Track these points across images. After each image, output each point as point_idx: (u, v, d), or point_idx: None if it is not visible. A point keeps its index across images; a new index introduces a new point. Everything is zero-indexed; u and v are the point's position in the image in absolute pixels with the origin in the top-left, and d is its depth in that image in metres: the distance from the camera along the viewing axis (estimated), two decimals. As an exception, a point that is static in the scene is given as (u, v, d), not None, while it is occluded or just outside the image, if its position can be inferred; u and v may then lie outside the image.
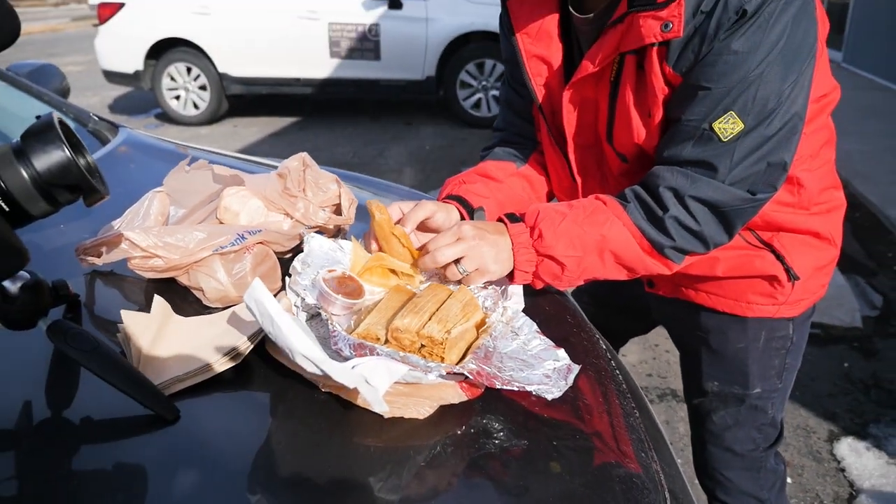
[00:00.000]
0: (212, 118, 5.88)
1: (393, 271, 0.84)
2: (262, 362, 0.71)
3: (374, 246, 0.85)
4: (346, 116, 5.91)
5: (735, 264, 0.93)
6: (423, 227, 0.89)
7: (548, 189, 1.06)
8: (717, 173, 0.78)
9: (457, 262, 0.80)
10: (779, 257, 0.94)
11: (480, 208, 0.94)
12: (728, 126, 0.75)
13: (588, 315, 0.94)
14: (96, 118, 1.45)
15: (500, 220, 0.85)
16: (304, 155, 0.96)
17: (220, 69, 5.65)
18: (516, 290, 0.84)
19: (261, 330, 0.71)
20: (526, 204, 1.03)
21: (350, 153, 4.92)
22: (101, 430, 0.62)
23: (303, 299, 0.75)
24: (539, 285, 0.85)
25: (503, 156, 1.04)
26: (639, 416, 0.73)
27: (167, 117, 5.94)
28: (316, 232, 0.94)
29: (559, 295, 0.94)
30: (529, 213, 0.83)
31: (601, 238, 0.81)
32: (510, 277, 0.83)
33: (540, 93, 0.92)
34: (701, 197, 0.79)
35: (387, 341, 0.69)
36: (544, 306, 0.89)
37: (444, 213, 0.90)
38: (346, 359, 0.64)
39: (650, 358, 2.39)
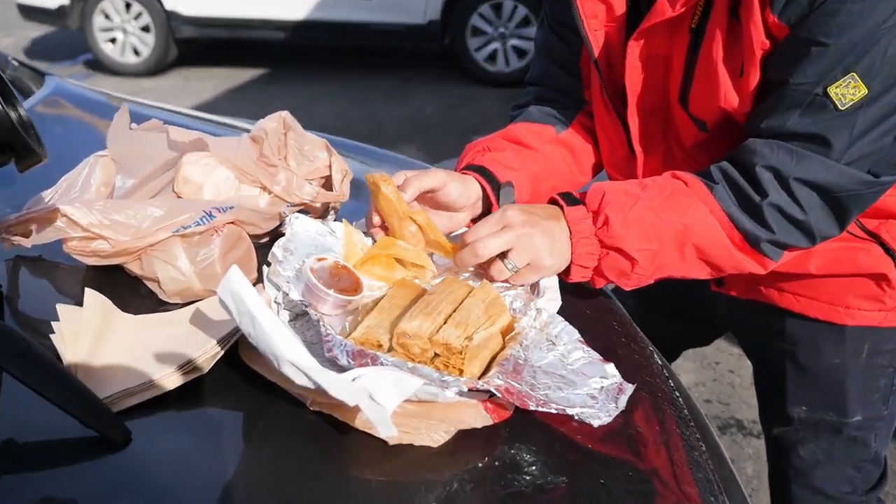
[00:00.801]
0: (156, 67, 5.84)
1: (400, 261, 0.85)
2: (235, 372, 0.71)
3: (376, 229, 0.86)
4: (326, 69, 5.85)
5: (832, 259, 0.93)
6: (430, 201, 0.90)
7: (594, 161, 1.08)
8: (832, 150, 0.77)
9: (503, 255, 0.81)
10: (888, 251, 0.94)
11: (509, 183, 0.95)
12: (848, 91, 0.74)
13: (633, 319, 0.95)
14: (15, 63, 1.42)
15: (552, 201, 0.86)
16: (285, 114, 0.97)
17: (168, 6, 5.59)
18: (551, 285, 0.85)
19: (234, 331, 0.71)
20: (567, 179, 1.04)
21: (332, 115, 4.90)
22: (29, 454, 0.60)
23: (285, 294, 0.76)
24: (600, 284, 0.86)
25: (539, 117, 1.05)
26: (705, 451, 0.73)
27: (99, 65, 5.87)
28: (300, 211, 0.95)
29: (602, 295, 0.94)
30: (592, 194, 0.84)
31: (682, 228, 0.81)
32: (565, 274, 0.85)
33: (595, 41, 0.92)
34: (809, 179, 0.78)
35: (391, 349, 0.70)
36: (584, 309, 0.89)
37: (460, 186, 0.90)
38: (344, 369, 0.64)
39: (709, 379, 2.38)
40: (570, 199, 0.85)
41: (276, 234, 0.94)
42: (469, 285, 0.83)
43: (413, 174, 0.88)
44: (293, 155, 0.95)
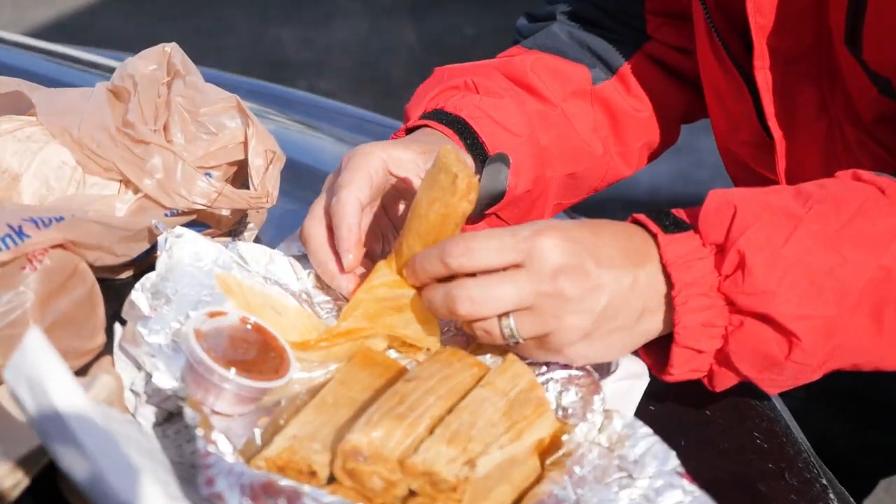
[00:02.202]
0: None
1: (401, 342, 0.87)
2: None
3: (350, 256, 0.88)
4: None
5: None
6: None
7: (647, 142, 1.14)
8: None
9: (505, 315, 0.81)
10: None
11: (500, 158, 0.98)
12: None
13: (795, 424, 0.93)
14: None
15: (635, 221, 0.86)
16: (171, 48, 0.96)
17: None
18: (631, 365, 0.86)
19: (41, 449, 0.68)
20: (597, 165, 1.09)
21: (244, 44, 4.86)
22: None
23: (148, 377, 0.76)
24: (725, 382, 0.85)
25: (567, 48, 1.09)
26: None
27: None
28: (188, 225, 0.94)
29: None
30: (713, 212, 0.83)
31: (883, 275, 0.81)
32: (658, 365, 0.85)
33: None
34: None
35: (331, 480, 0.70)
36: (693, 401, 0.89)
37: (412, 159, 0.93)
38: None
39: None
40: (669, 221, 0.83)
41: (144, 266, 0.94)
42: (479, 363, 0.83)
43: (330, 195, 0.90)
44: (180, 122, 0.93)
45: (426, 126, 0.99)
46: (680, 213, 0.85)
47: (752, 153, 1.03)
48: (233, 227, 0.98)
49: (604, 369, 0.85)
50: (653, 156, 1.18)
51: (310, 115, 1.42)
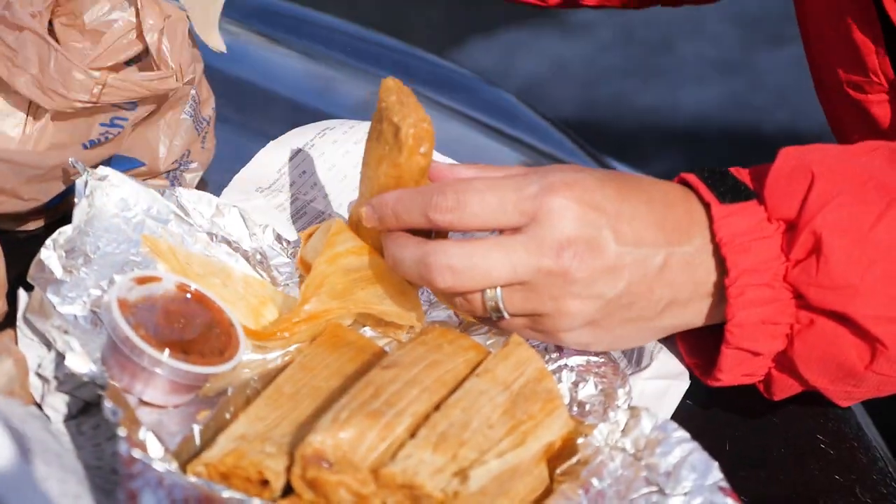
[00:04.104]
0: None
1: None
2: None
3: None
4: None
5: None
6: None
7: None
8: None
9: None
10: None
11: None
12: None
13: (882, 429, 0.98)
14: None
15: (683, 181, 0.85)
16: None
17: None
18: (668, 362, 0.87)
19: None
20: None
21: None
22: None
23: (59, 357, 0.75)
24: (785, 391, 0.85)
25: None
26: None
27: None
28: (116, 163, 0.94)
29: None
30: (783, 177, 0.81)
31: None
32: (703, 367, 0.85)
33: None
34: None
35: (289, 491, 0.70)
36: (740, 402, 0.88)
37: None
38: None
39: None
40: (726, 185, 0.82)
41: (58, 215, 0.95)
42: (476, 345, 0.82)
43: None
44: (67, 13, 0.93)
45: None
46: (741, 174, 0.83)
47: (871, 98, 1.01)
48: (171, 168, 0.97)
49: (632, 360, 0.85)
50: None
51: (273, 26, 1.40)
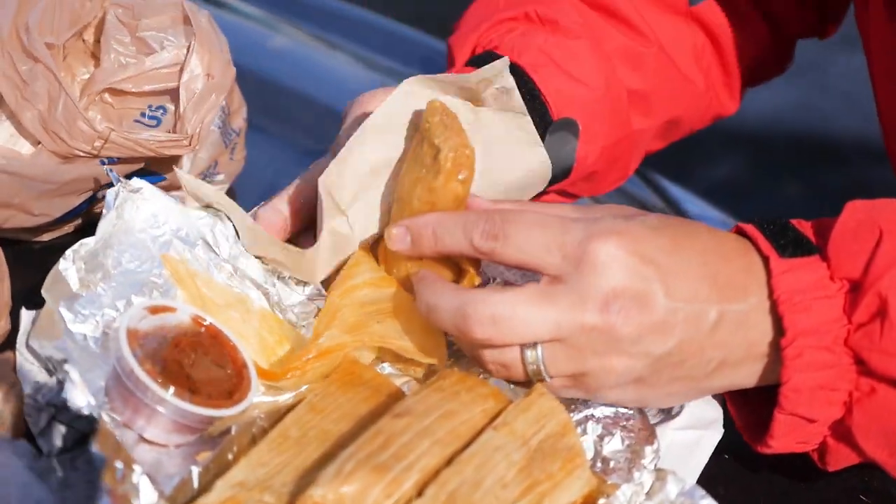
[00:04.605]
0: None
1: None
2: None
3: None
4: None
5: None
6: None
7: (767, 68, 1.18)
8: None
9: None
10: None
11: (564, 126, 0.98)
12: None
13: None
14: None
15: (740, 231, 0.83)
16: None
17: None
18: (702, 409, 0.86)
19: None
20: (699, 106, 1.13)
21: None
22: None
23: (59, 384, 0.74)
24: (840, 461, 0.83)
25: None
26: None
27: None
28: (139, 175, 0.94)
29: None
30: (850, 230, 0.80)
31: None
32: (750, 433, 0.83)
33: None
34: None
35: None
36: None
37: None
38: None
39: None
40: (787, 238, 0.80)
41: (74, 227, 0.95)
42: (496, 393, 0.81)
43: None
44: (114, 38, 0.93)
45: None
46: (803, 227, 0.81)
47: None
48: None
49: (663, 410, 0.84)
50: (757, 82, 1.17)
51: (328, 28, 1.39)
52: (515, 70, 0.95)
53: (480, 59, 0.98)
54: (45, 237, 0.95)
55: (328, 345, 0.82)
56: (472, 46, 1.02)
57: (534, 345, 0.77)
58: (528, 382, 0.80)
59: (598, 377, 0.78)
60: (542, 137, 0.95)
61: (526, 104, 0.94)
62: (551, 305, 0.76)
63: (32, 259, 0.89)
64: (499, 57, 0.94)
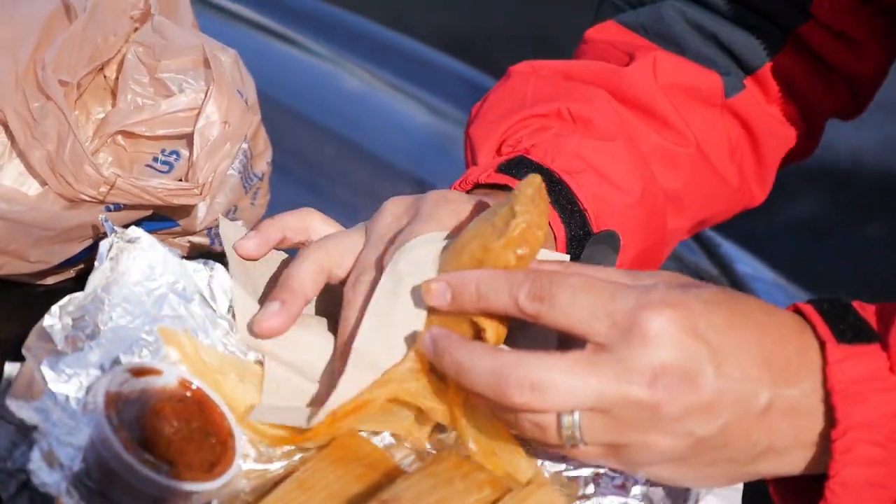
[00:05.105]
0: None
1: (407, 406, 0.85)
2: None
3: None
4: None
5: None
6: None
7: (795, 155, 1.16)
8: None
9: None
10: None
11: (605, 240, 0.99)
12: None
13: None
14: None
15: (798, 310, 0.82)
16: None
17: None
18: (710, 500, 0.84)
19: None
20: (732, 201, 1.14)
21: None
22: None
23: (26, 452, 0.73)
24: None
25: (686, 40, 1.09)
26: None
27: None
28: (147, 222, 0.95)
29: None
30: None
31: None
32: None
33: None
34: None
35: None
36: None
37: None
38: None
39: None
40: (847, 322, 0.79)
41: (72, 272, 0.96)
42: (494, 480, 0.79)
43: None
44: (132, 79, 0.93)
45: (500, 187, 0.96)
46: (866, 311, 0.79)
47: None
48: (211, 225, 0.95)
49: (677, 499, 0.81)
50: (784, 167, 1.18)
51: (399, 72, 1.37)
52: (549, 176, 0.96)
53: (512, 164, 0.98)
54: (49, 280, 0.95)
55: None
56: (497, 142, 1.02)
57: (571, 411, 0.76)
58: (558, 446, 0.78)
59: (637, 452, 0.77)
60: (581, 244, 0.96)
61: (564, 213, 0.96)
62: (596, 374, 0.75)
63: (33, 303, 0.89)
64: (531, 162, 0.97)
